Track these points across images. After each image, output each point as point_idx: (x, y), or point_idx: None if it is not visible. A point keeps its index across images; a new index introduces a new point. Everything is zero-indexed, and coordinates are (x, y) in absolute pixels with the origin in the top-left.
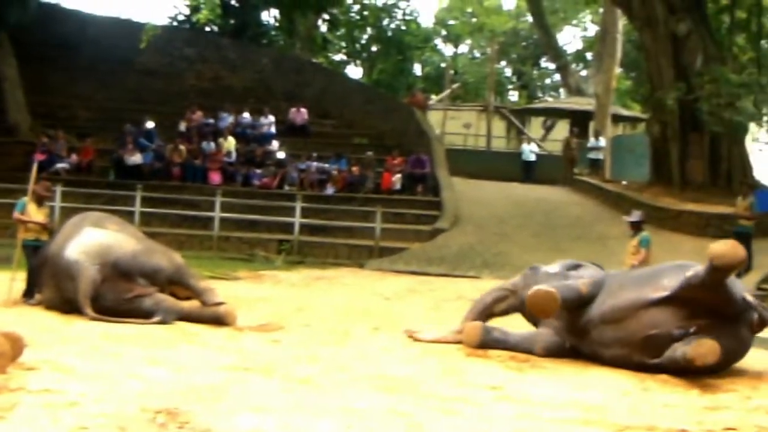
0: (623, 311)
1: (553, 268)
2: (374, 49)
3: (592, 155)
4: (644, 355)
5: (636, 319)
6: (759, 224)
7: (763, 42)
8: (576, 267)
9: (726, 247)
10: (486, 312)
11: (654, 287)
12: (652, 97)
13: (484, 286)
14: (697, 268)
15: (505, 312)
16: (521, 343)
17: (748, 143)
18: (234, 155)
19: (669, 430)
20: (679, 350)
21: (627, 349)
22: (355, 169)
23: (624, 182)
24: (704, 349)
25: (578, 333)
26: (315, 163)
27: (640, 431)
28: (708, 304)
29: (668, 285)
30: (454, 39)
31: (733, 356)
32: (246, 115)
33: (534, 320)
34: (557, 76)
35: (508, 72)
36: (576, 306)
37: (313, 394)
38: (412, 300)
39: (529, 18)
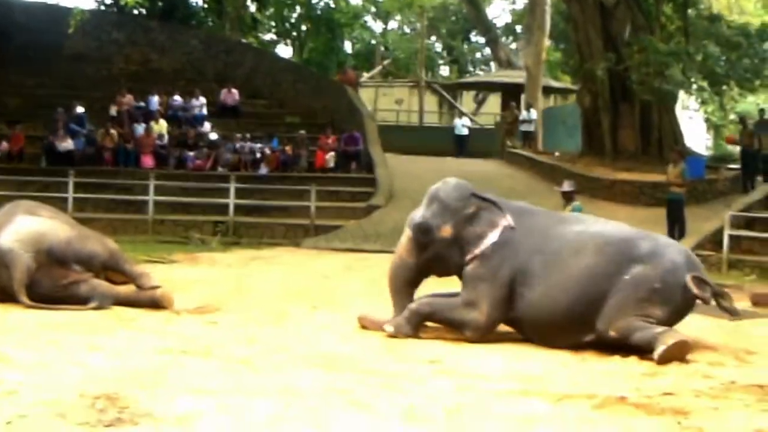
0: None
1: (447, 228)
2: (304, 27)
3: (524, 128)
4: None
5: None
6: (690, 191)
7: (689, 11)
8: (471, 220)
9: (672, 354)
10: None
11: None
12: (581, 68)
13: None
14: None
15: None
16: None
17: (678, 111)
18: (166, 138)
19: (608, 398)
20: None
21: None
22: (288, 148)
23: (556, 153)
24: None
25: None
26: (248, 144)
27: (579, 399)
28: None
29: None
30: (384, 15)
31: None
32: (177, 97)
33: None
34: (487, 50)
35: (439, 47)
36: None
37: (251, 374)
38: (349, 277)
39: None
